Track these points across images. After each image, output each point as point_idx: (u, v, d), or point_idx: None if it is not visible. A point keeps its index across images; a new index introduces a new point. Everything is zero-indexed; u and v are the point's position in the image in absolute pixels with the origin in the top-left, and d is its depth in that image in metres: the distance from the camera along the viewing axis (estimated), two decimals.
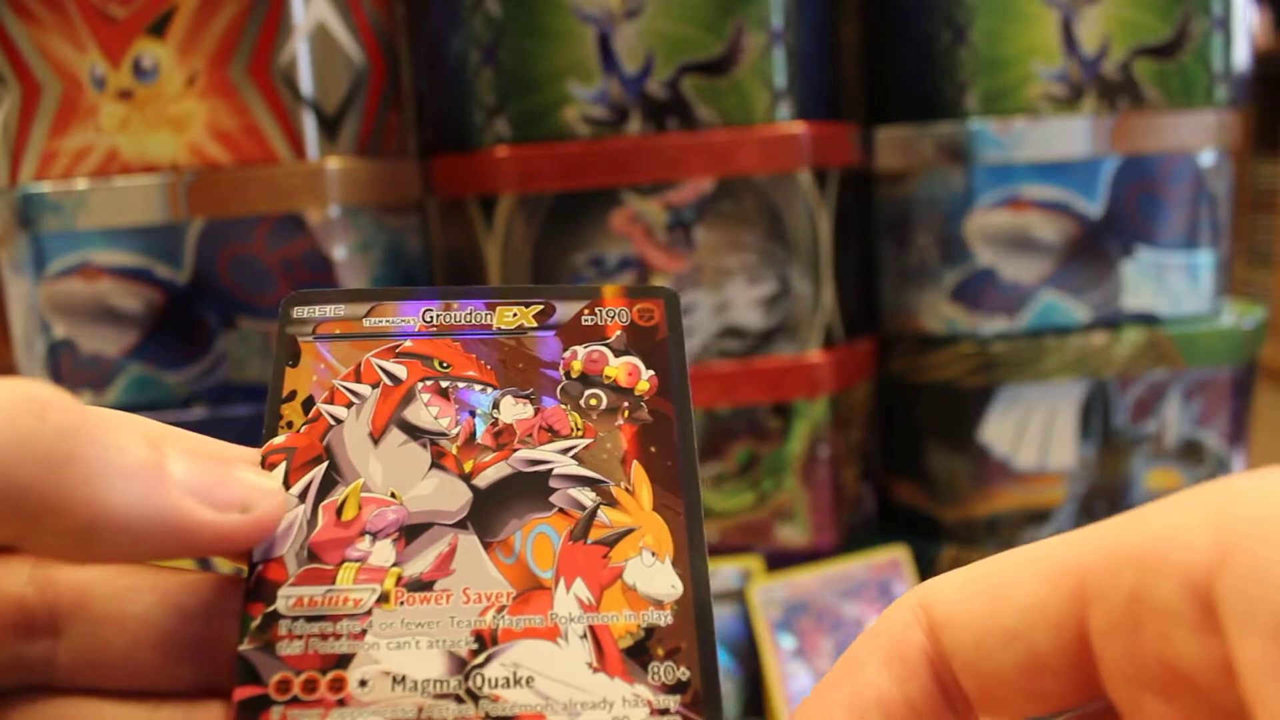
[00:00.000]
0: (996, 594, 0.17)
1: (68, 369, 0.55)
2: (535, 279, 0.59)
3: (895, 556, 0.63)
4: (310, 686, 0.17)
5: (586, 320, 0.22)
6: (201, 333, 0.55)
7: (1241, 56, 0.65)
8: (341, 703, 0.17)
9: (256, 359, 0.56)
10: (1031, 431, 0.64)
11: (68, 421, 0.16)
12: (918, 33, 0.64)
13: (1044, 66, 0.61)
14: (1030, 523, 0.65)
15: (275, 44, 0.54)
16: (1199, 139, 0.63)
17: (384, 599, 0.18)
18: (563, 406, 0.20)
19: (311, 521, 0.19)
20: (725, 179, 0.58)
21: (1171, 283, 0.64)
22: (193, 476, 0.17)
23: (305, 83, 0.55)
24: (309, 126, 0.55)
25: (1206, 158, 0.64)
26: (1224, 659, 0.14)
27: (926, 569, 0.65)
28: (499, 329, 0.21)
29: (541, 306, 0.22)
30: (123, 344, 0.55)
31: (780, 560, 0.61)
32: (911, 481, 0.68)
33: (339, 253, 0.56)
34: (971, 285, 0.63)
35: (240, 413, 0.55)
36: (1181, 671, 0.15)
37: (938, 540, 0.66)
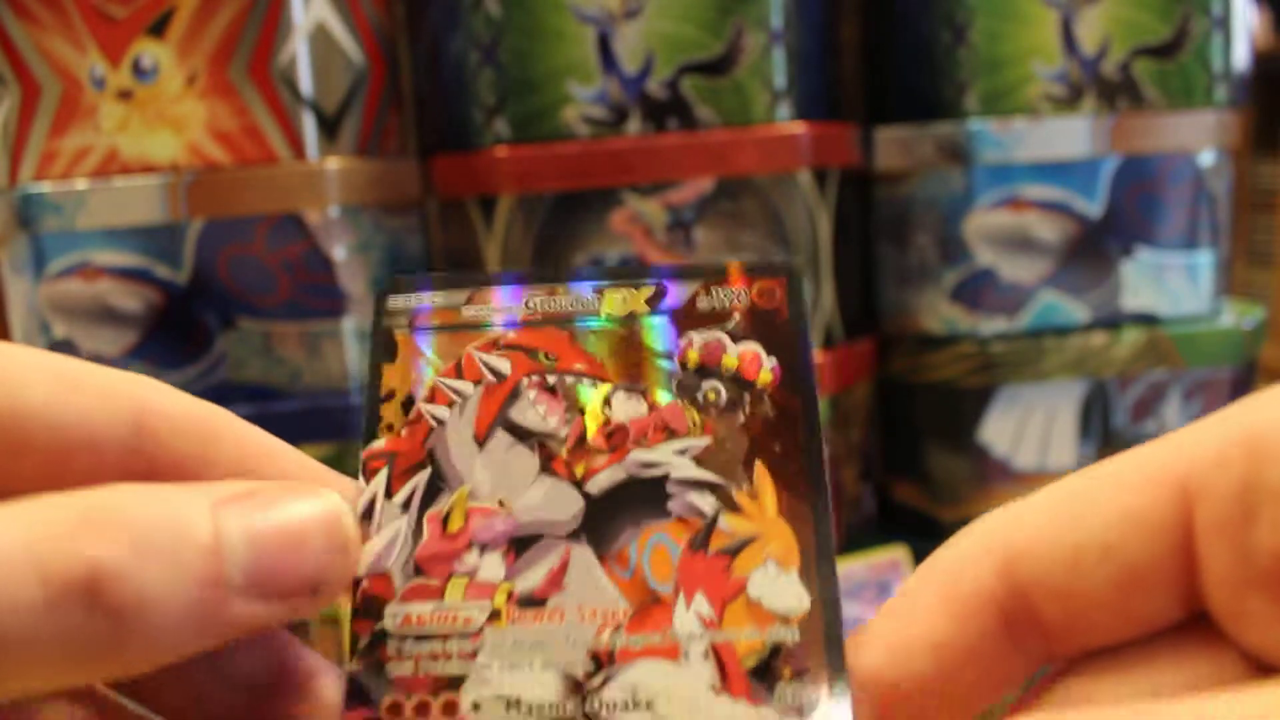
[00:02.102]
0: (1085, 510, 0.15)
1: None
2: None
3: (895, 557, 0.63)
4: (422, 709, 0.16)
5: (702, 303, 0.20)
6: (201, 333, 0.55)
7: (1241, 57, 0.65)
8: None
9: (256, 359, 0.56)
10: (1031, 432, 0.64)
11: (124, 590, 0.14)
12: (917, 33, 0.64)
13: (1044, 66, 0.61)
14: None
15: (275, 44, 0.54)
16: (1199, 139, 0.63)
17: (495, 617, 0.17)
18: (679, 402, 0.19)
19: (416, 533, 0.18)
20: (725, 179, 0.58)
21: (1171, 283, 0.64)
22: (255, 566, 0.15)
23: (305, 83, 0.55)
24: (309, 127, 0.55)
25: (1206, 158, 0.64)
26: None
27: None
28: (608, 315, 0.20)
29: (654, 290, 0.20)
30: (123, 344, 0.55)
31: None
32: (911, 481, 0.68)
33: (339, 253, 0.56)
34: (971, 285, 0.63)
35: (240, 413, 0.55)
36: None
37: (938, 540, 0.66)
